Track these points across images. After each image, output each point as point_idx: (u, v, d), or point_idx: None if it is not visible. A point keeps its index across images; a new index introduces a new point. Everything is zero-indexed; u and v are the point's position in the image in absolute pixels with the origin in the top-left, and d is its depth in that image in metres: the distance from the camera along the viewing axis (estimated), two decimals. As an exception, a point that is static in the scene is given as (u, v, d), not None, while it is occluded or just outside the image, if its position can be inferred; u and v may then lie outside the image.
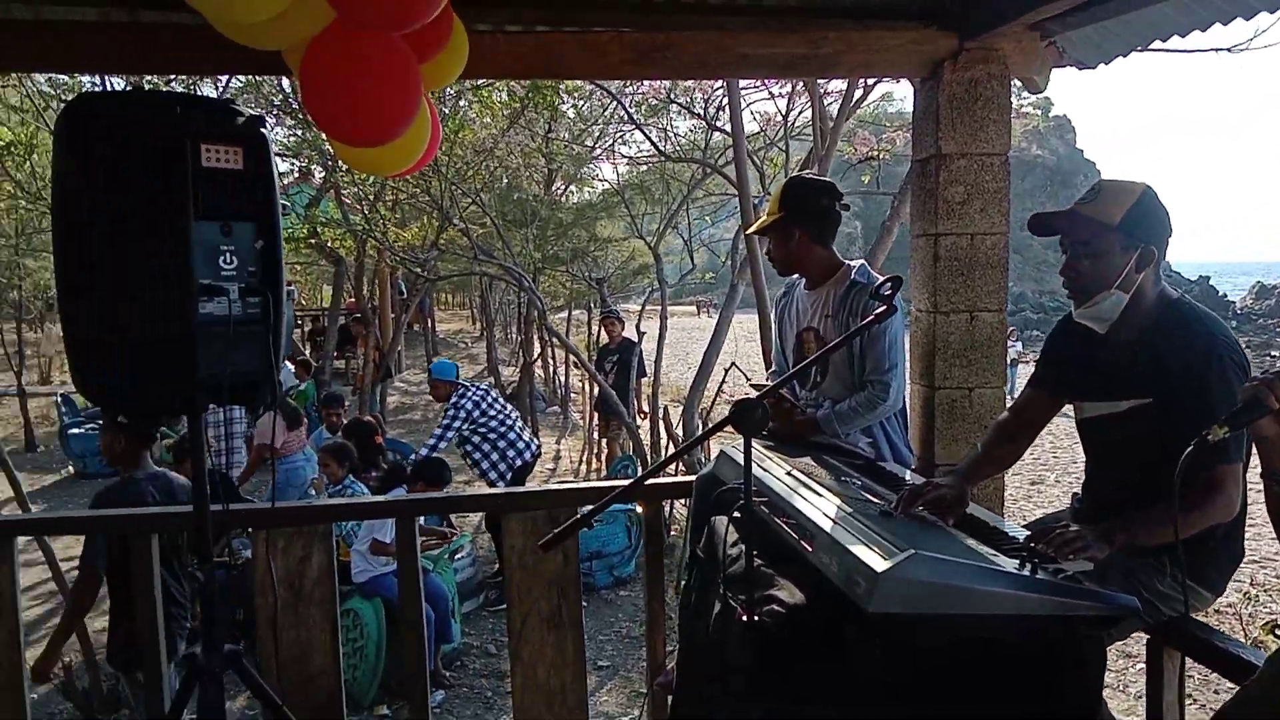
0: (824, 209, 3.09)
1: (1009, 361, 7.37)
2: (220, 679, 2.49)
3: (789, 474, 2.39)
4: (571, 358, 13.46)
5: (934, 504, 2.16)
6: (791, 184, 3.15)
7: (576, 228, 14.14)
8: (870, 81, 7.66)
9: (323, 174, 11.72)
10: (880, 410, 2.97)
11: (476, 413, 7.39)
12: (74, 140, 2.28)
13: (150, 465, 4.12)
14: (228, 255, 2.31)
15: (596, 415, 11.45)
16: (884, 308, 2.32)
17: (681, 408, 9.77)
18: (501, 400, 7.78)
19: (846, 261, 3.15)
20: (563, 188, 15.91)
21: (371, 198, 11.70)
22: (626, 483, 2.52)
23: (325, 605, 3.00)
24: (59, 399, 13.90)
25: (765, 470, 2.43)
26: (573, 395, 16.26)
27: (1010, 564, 1.81)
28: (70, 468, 12.14)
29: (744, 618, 1.85)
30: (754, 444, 2.00)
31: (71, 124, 2.30)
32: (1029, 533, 2.03)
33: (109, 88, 6.34)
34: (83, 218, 2.23)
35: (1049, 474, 12.19)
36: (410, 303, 15.96)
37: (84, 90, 7.07)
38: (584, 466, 11.86)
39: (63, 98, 8.30)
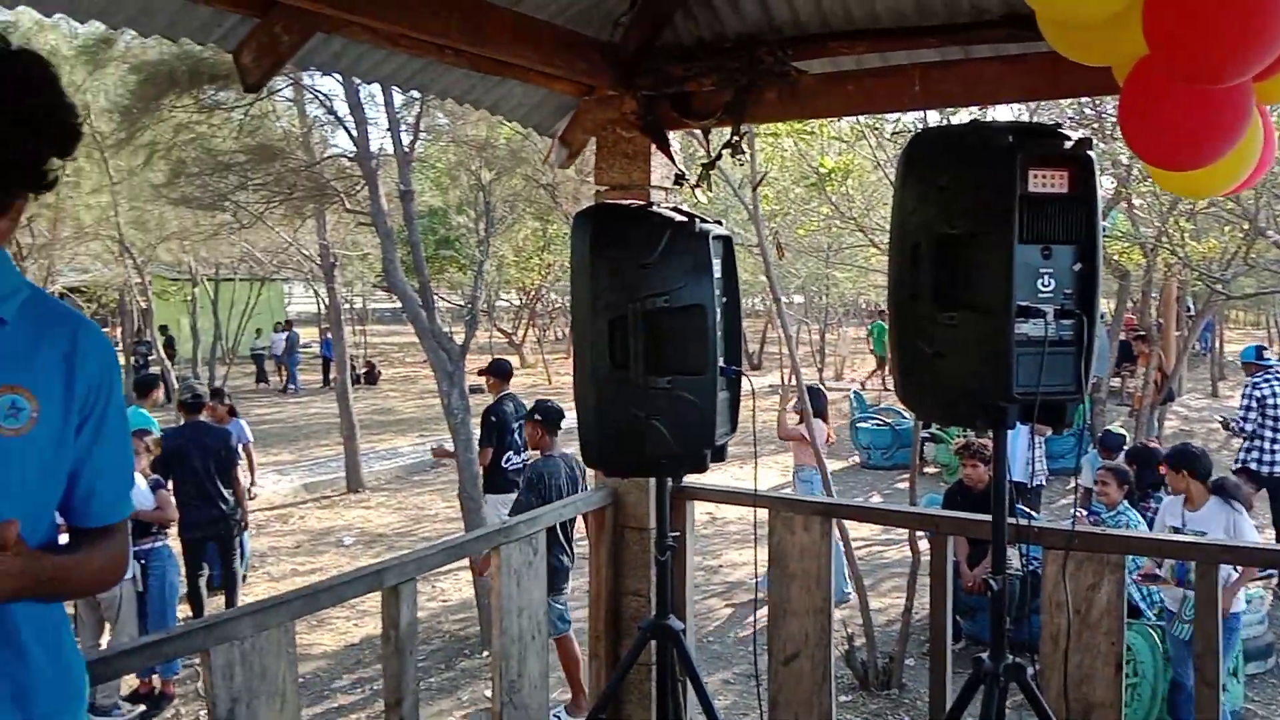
0: None
1: None
2: (1005, 688, 2.56)
3: None
4: None
5: None
6: None
7: None
8: None
9: (1114, 185, 11.25)
10: None
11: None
12: (913, 169, 2.54)
13: (558, 448, 5.67)
14: (1046, 278, 2.36)
15: None
16: None
17: None
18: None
19: None
20: None
21: (1165, 208, 10.88)
22: None
23: (1111, 637, 2.90)
24: (852, 394, 15.63)
25: None
26: None
27: None
28: (857, 457, 13.52)
29: None
30: None
31: (912, 154, 2.58)
32: None
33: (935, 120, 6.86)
34: (916, 241, 2.48)
35: None
36: (1198, 322, 14.48)
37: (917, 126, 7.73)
38: None
39: (875, 128, 9.23)
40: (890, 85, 3.19)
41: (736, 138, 3.39)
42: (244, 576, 7.83)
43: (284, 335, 25.40)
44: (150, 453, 6.41)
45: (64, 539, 1.54)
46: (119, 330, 25.11)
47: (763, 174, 6.81)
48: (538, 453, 5.91)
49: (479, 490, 7.16)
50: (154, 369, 20.77)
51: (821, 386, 14.10)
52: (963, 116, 6.22)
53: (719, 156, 3.48)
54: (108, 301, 24.03)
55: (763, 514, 3.45)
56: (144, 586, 5.90)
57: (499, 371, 7.31)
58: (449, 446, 7.48)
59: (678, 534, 3.32)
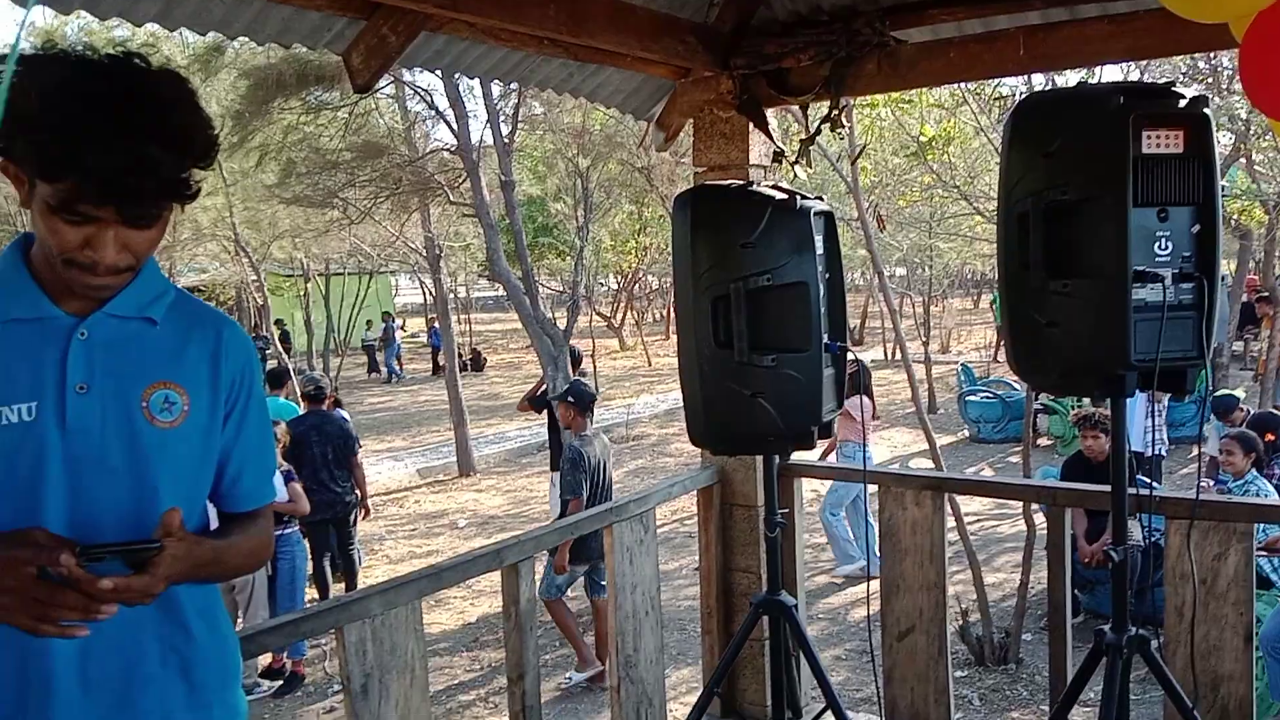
0: None
1: None
2: (1128, 661, 2.52)
3: None
4: None
5: None
6: None
7: None
8: None
9: (1232, 140, 10.74)
10: None
11: None
12: (1019, 135, 2.50)
13: (591, 427, 5.93)
14: (1163, 241, 2.30)
15: None
16: None
17: None
18: None
19: None
20: None
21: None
22: None
23: (1239, 608, 2.82)
24: (960, 368, 15.31)
25: None
26: None
27: None
28: (966, 431, 13.26)
29: None
30: None
31: (1018, 120, 2.53)
32: None
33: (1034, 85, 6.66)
34: (1024, 209, 2.44)
35: None
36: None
37: (1022, 92, 7.53)
38: None
39: (977, 93, 8.98)
40: (993, 50, 3.12)
41: (835, 112, 3.37)
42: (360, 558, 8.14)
43: (394, 326, 26.13)
44: (280, 442, 6.68)
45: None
46: (238, 326, 26.11)
47: (861, 146, 6.72)
48: (569, 431, 6.17)
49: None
50: (271, 362, 21.64)
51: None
52: (1069, 80, 6.04)
53: (818, 132, 3.47)
54: (225, 299, 25.08)
55: (872, 489, 3.45)
56: (273, 571, 6.19)
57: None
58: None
59: (786, 511, 3.34)
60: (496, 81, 3.87)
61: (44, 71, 1.32)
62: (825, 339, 2.86)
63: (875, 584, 3.48)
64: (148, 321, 1.50)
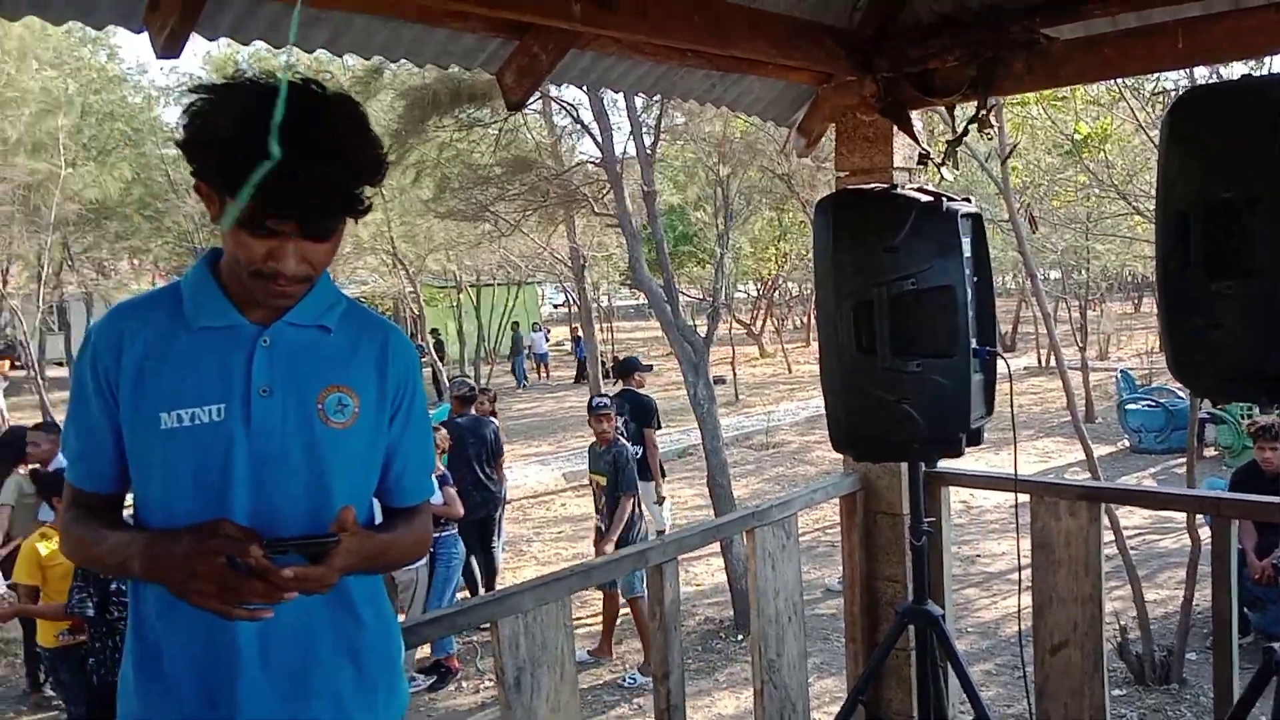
0: None
1: None
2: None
3: None
4: None
5: None
6: None
7: None
8: None
9: None
10: None
11: None
12: (1179, 131, 2.40)
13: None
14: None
15: None
16: None
17: None
18: None
19: None
20: None
21: None
22: None
23: None
24: (1118, 374, 14.60)
25: None
26: None
27: None
28: (1125, 441, 12.64)
29: None
30: None
31: (1177, 115, 2.44)
32: None
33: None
34: (1184, 208, 2.34)
35: None
36: None
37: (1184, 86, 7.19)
38: None
39: (1135, 88, 8.59)
40: (1149, 45, 3.00)
41: (983, 112, 3.31)
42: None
43: (541, 334, 26.75)
44: (440, 448, 6.98)
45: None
46: (394, 336, 27.29)
47: (1011, 146, 6.53)
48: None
49: (727, 478, 7.31)
50: (425, 369, 22.45)
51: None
52: (1233, 72, 5.72)
53: (964, 133, 3.41)
54: (384, 310, 26.19)
55: (1024, 499, 3.36)
56: (431, 572, 6.47)
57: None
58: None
59: (933, 520, 3.29)
60: (644, 94, 3.95)
61: (232, 99, 1.45)
62: (974, 344, 2.82)
63: (1027, 596, 3.38)
64: (323, 329, 1.63)
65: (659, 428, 7.98)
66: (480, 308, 23.53)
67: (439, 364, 21.19)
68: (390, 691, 1.70)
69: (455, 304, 23.64)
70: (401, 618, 6.41)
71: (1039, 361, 20.87)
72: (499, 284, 24.43)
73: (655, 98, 6.15)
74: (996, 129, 4.86)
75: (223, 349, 1.57)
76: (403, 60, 3.02)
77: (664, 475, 8.18)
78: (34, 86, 14.40)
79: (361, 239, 18.05)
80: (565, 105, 9.45)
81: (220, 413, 1.54)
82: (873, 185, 3.16)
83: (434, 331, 24.84)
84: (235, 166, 1.42)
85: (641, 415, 7.75)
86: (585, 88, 3.75)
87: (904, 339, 2.79)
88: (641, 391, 8.17)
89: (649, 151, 7.68)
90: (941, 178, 3.54)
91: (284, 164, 1.40)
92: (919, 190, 2.88)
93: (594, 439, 6.62)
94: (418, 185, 11.40)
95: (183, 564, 1.41)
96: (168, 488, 1.55)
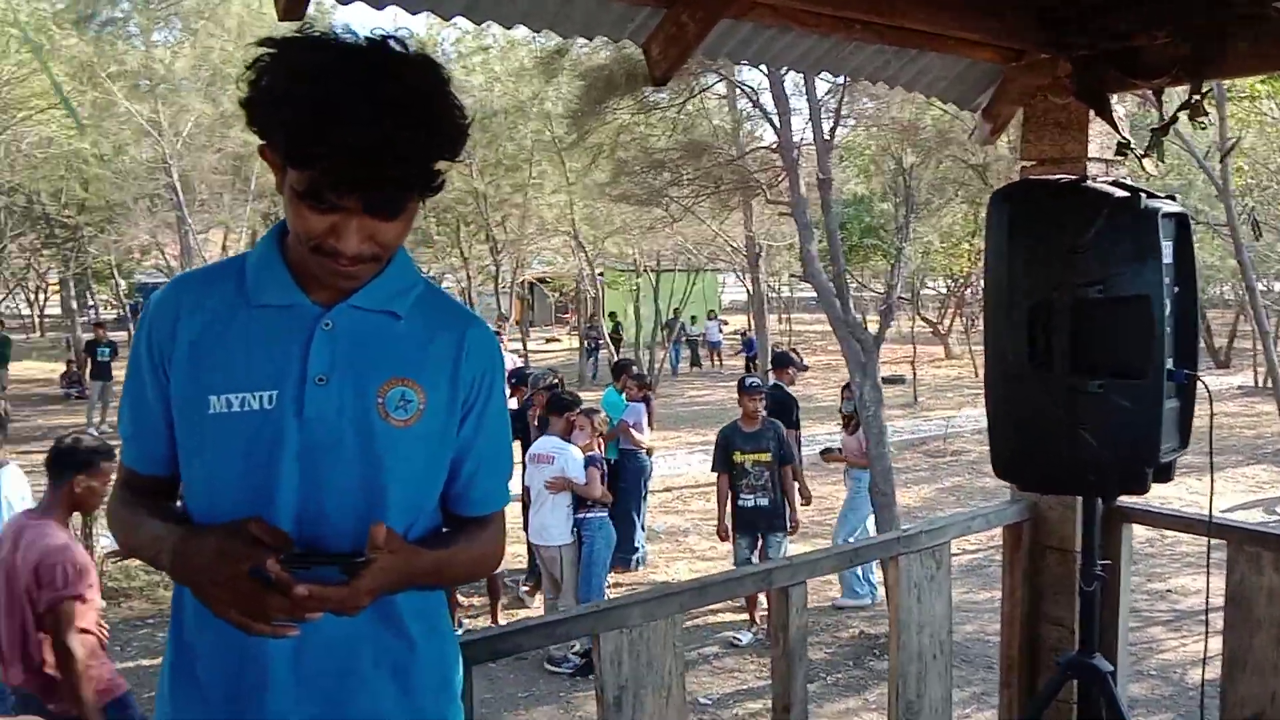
0: None
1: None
2: None
3: None
4: None
5: None
6: None
7: None
8: None
9: None
10: None
11: None
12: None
13: None
14: None
15: None
16: None
17: None
18: None
19: None
20: None
21: None
22: None
23: None
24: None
25: None
26: None
27: None
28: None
29: None
30: None
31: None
32: None
33: None
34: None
35: None
36: None
37: None
38: None
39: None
40: None
41: (1197, 97, 2.85)
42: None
43: (715, 323, 26.60)
44: (596, 430, 6.98)
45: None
46: (573, 316, 27.85)
47: (1234, 141, 5.82)
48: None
49: (891, 485, 6.92)
50: (601, 352, 22.77)
51: None
52: None
53: (1173, 120, 2.95)
54: (567, 290, 26.62)
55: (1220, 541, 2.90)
56: (578, 553, 6.44)
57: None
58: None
59: (1109, 562, 2.88)
60: (808, 72, 3.66)
61: (297, 53, 1.30)
62: (1170, 364, 2.42)
63: (1215, 643, 2.91)
64: (391, 315, 1.47)
65: (797, 428, 7.89)
66: (659, 293, 23.54)
67: (611, 347, 21.37)
68: (440, 716, 1.53)
69: (634, 288, 23.73)
70: (548, 600, 6.49)
71: (1255, 381, 19.02)
72: (680, 270, 24.37)
73: (839, 81, 5.82)
74: (1215, 120, 4.28)
75: (281, 330, 1.43)
76: (550, 32, 2.88)
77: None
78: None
79: (546, 219, 18.37)
80: (745, 89, 9.17)
81: (271, 400, 1.40)
82: (1059, 176, 2.78)
83: (612, 315, 25.09)
84: (292, 129, 1.28)
85: (781, 413, 7.48)
86: (745, 63, 3.50)
87: (1085, 353, 2.44)
88: (789, 389, 8.11)
89: (827, 137, 7.32)
90: (1145, 173, 3.10)
91: (350, 130, 1.25)
92: (1113, 184, 2.49)
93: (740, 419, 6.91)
94: (596, 167, 11.40)
95: (205, 567, 1.29)
96: (212, 477, 1.43)
